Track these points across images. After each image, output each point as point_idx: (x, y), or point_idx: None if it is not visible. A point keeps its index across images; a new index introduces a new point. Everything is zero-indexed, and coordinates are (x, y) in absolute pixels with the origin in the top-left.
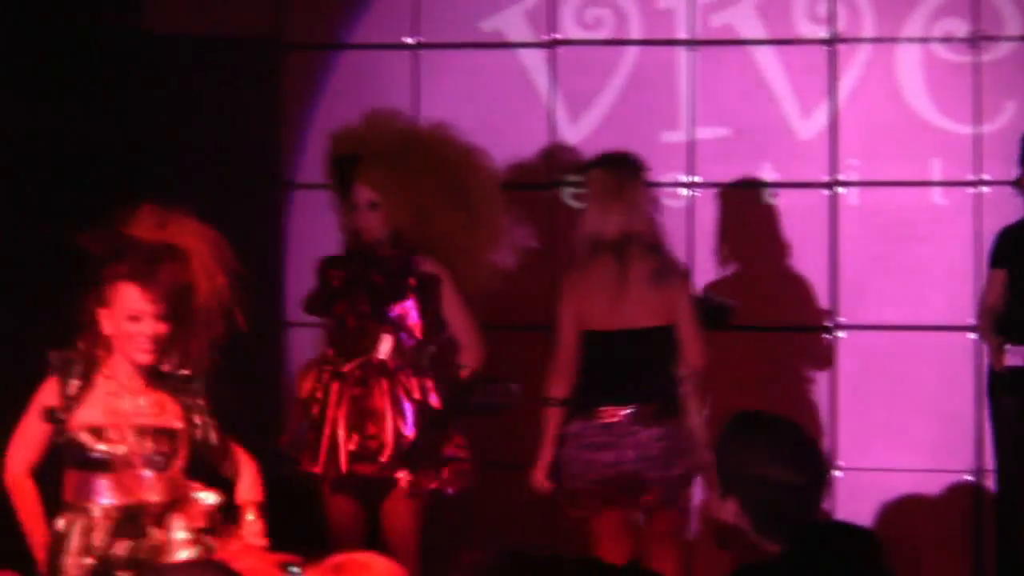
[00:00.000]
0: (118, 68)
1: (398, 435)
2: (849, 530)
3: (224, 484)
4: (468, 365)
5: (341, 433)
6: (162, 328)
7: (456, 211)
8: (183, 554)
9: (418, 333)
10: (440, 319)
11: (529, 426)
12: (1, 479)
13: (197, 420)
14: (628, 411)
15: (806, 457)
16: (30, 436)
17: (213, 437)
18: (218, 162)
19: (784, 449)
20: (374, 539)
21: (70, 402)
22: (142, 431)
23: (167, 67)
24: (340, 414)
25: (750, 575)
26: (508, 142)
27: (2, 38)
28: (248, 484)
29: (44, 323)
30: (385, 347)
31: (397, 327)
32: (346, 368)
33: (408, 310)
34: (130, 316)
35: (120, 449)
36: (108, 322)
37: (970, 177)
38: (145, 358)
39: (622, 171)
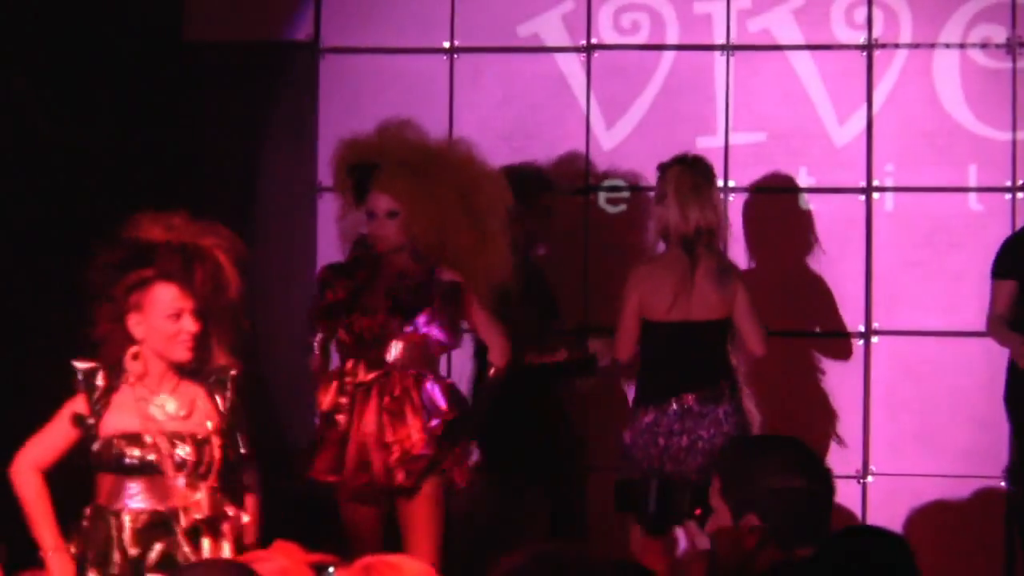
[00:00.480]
0: (156, 75)
1: (426, 441)
2: (880, 535)
3: None
4: (495, 364)
5: (371, 444)
6: (198, 325)
7: (471, 230)
8: None
9: (444, 340)
10: (459, 325)
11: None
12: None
13: (231, 420)
14: (697, 395)
15: (813, 465)
16: (50, 439)
17: (240, 443)
18: (255, 166)
19: (794, 460)
20: (388, 545)
21: (97, 409)
22: (175, 437)
23: (205, 73)
24: (367, 425)
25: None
26: (544, 146)
27: (40, 47)
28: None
29: (77, 333)
30: (395, 352)
31: (421, 336)
32: (368, 378)
33: (431, 320)
34: (170, 315)
35: (152, 455)
36: (140, 326)
37: (1006, 183)
38: (186, 355)
39: (700, 170)
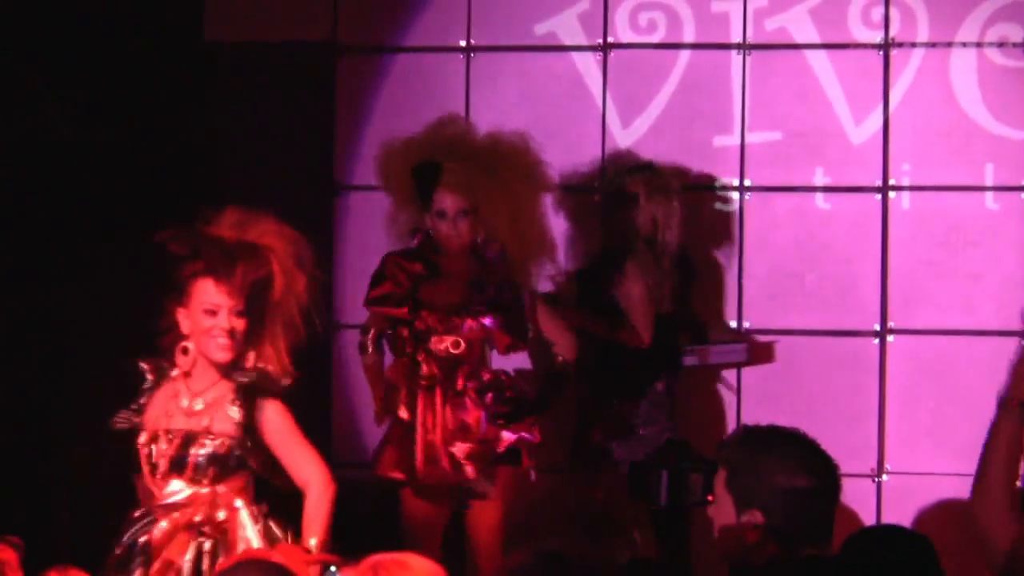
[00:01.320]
0: (177, 76)
1: (491, 437)
2: (903, 535)
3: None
4: (563, 355)
5: (438, 439)
6: (239, 324)
7: (541, 219)
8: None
9: (510, 339)
10: (526, 325)
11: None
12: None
13: (249, 426)
14: (663, 384)
15: (821, 462)
16: None
17: (257, 447)
18: (273, 165)
19: (799, 458)
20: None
21: (141, 405)
22: (173, 434)
23: (225, 73)
24: (433, 420)
25: (802, 571)
26: (561, 145)
27: (61, 47)
28: (309, 514)
29: (128, 327)
30: (460, 348)
31: (484, 333)
32: (435, 372)
33: (497, 319)
34: (206, 310)
35: (153, 452)
36: (186, 320)
37: (1023, 182)
38: (223, 355)
39: (666, 177)
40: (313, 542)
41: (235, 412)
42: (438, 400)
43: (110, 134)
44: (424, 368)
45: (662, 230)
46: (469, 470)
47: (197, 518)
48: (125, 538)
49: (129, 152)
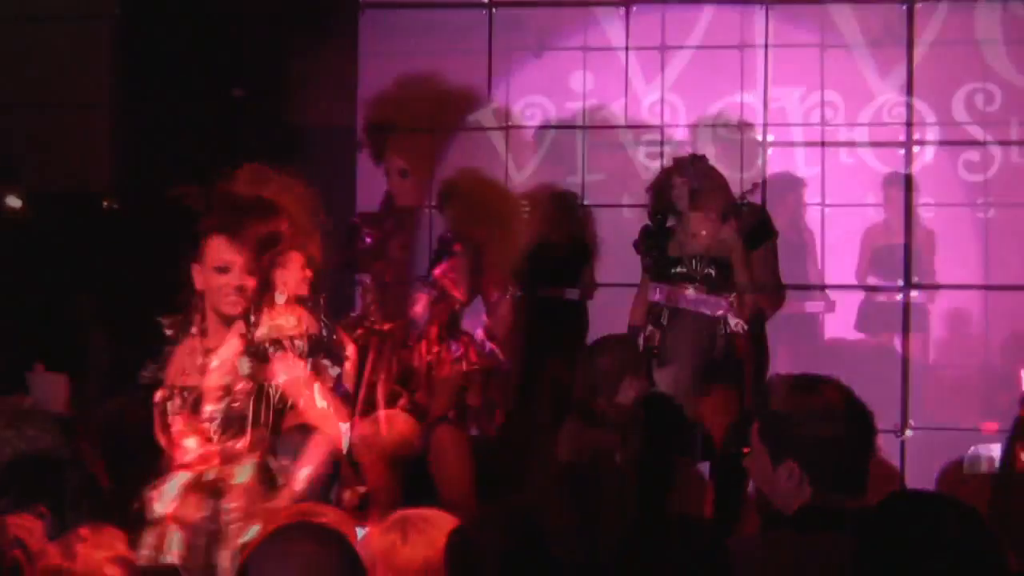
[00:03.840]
0: (206, 38)
1: (438, 392)
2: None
3: None
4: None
5: (381, 392)
6: (250, 281)
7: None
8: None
9: (461, 296)
10: (472, 283)
11: None
12: None
13: (268, 385)
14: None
15: (853, 410)
16: None
17: (282, 405)
18: (295, 120)
19: (832, 406)
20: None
21: (161, 362)
22: (188, 391)
23: (249, 30)
24: (380, 374)
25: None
26: (583, 100)
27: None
28: (307, 450)
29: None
30: (419, 307)
31: (439, 289)
32: (385, 327)
33: (448, 273)
34: (217, 267)
35: (174, 411)
36: (199, 277)
37: None
38: (233, 309)
39: None
40: (304, 473)
41: (245, 366)
42: (386, 356)
43: (136, 89)
44: (378, 324)
45: None
46: (399, 424)
47: (209, 476)
48: (144, 493)
49: (154, 106)
